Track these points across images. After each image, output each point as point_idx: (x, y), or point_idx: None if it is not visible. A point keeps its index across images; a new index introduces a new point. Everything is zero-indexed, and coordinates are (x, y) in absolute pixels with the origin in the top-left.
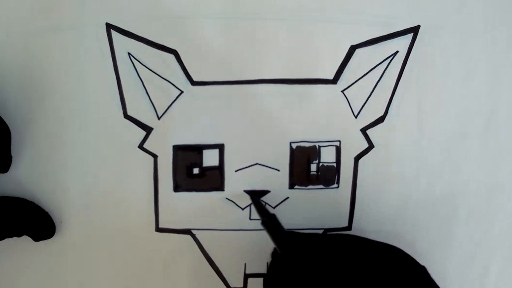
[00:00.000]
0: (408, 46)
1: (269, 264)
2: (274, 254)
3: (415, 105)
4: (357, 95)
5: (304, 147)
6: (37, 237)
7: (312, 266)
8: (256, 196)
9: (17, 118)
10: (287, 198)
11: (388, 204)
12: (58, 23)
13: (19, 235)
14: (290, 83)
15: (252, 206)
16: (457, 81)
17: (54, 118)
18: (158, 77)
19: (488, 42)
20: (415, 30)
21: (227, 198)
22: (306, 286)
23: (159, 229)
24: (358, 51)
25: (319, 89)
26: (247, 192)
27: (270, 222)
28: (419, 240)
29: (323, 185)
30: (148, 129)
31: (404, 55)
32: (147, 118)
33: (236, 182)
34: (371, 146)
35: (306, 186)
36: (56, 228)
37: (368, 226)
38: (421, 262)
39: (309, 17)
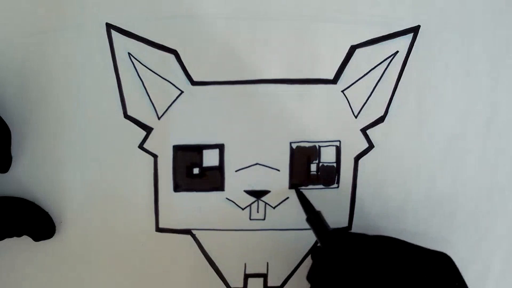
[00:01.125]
0: (408, 46)
1: (312, 260)
2: (314, 251)
3: (415, 105)
4: (357, 95)
5: (304, 147)
6: (37, 237)
7: (354, 264)
8: (256, 196)
9: (17, 118)
10: (287, 198)
11: (388, 204)
12: (58, 23)
13: (19, 235)
14: (290, 83)
15: (253, 206)
16: (457, 81)
17: (54, 118)
18: (158, 77)
19: (488, 42)
20: (415, 30)
21: (227, 198)
22: (348, 282)
23: (159, 229)
24: (358, 51)
25: (319, 89)
26: (296, 189)
27: (315, 219)
28: (419, 240)
29: (323, 185)
30: (148, 129)
31: (404, 55)
32: (147, 118)
33: (236, 182)
34: (371, 146)
35: (306, 186)
36: (56, 228)
37: (368, 226)
38: None
39: (309, 17)
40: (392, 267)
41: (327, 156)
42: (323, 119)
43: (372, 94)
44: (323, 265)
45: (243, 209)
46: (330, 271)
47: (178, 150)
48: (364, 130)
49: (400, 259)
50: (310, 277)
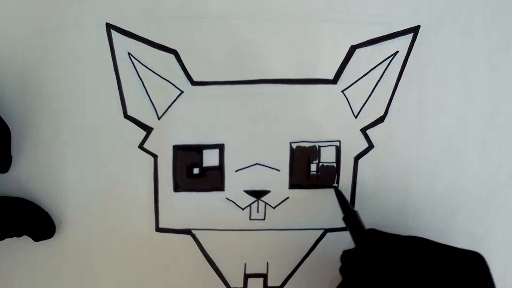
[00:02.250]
0: (408, 46)
1: (341, 262)
2: (345, 254)
3: (415, 105)
4: (357, 95)
5: (304, 147)
6: (37, 237)
7: (389, 264)
8: (256, 196)
9: (17, 118)
10: (287, 198)
11: (387, 203)
12: (58, 23)
13: (19, 235)
14: (290, 83)
15: (253, 206)
16: (457, 81)
17: (54, 118)
18: (158, 77)
19: (488, 42)
20: (415, 30)
21: (227, 198)
22: (383, 282)
23: (159, 229)
24: (358, 51)
25: (319, 89)
26: (335, 188)
27: (351, 218)
28: None
29: (323, 185)
30: (148, 129)
31: (404, 55)
32: (147, 118)
33: (236, 182)
34: (371, 146)
35: (306, 186)
36: (56, 228)
37: (368, 226)
38: None
39: (309, 17)
40: (426, 268)
41: (327, 156)
42: (323, 119)
43: (372, 94)
44: (357, 265)
45: (243, 209)
46: (365, 270)
47: (178, 150)
48: (364, 130)
49: (433, 260)
50: (344, 273)
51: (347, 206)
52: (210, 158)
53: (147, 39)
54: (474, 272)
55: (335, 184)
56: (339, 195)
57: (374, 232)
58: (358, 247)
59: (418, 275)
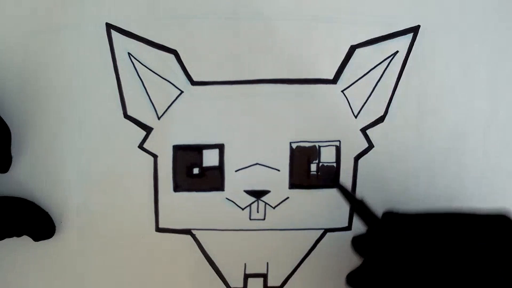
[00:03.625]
0: (408, 46)
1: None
2: (355, 240)
3: (415, 105)
4: (357, 95)
5: (304, 147)
6: (37, 237)
7: (410, 244)
8: (256, 196)
9: (17, 118)
10: (287, 198)
11: (388, 203)
12: (58, 23)
13: (19, 235)
14: (290, 83)
15: (253, 206)
16: (457, 81)
17: (54, 118)
18: (158, 77)
19: (488, 42)
20: (415, 30)
21: (227, 198)
22: (408, 264)
23: (159, 229)
24: (358, 51)
25: (319, 89)
26: (338, 185)
27: (360, 208)
28: None
29: (323, 185)
30: (148, 129)
31: (404, 55)
32: (147, 118)
33: (236, 182)
34: (371, 146)
35: (306, 186)
36: (56, 228)
37: None
38: None
39: (309, 17)
40: (450, 240)
41: (327, 156)
42: (323, 119)
43: (372, 94)
44: (380, 246)
45: (243, 209)
46: (386, 254)
47: (178, 150)
48: (364, 130)
49: (457, 230)
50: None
51: (352, 198)
52: (210, 158)
53: (147, 39)
54: (502, 235)
55: (340, 182)
56: (342, 189)
57: (389, 216)
58: (375, 230)
59: (443, 249)
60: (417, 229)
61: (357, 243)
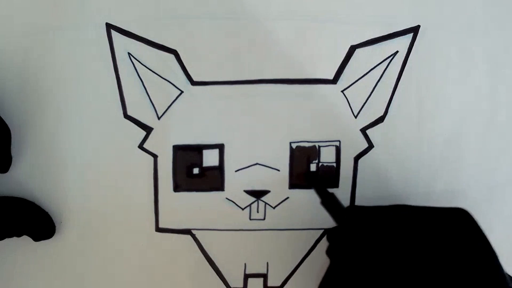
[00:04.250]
0: (408, 46)
1: (328, 241)
2: (329, 232)
3: (415, 105)
4: (357, 95)
5: (304, 147)
6: (37, 237)
7: (375, 236)
8: (256, 196)
9: (17, 118)
10: (287, 198)
11: (387, 203)
12: (58, 23)
13: (19, 235)
14: (290, 83)
15: (253, 206)
16: (457, 81)
17: (54, 118)
18: (158, 77)
19: (488, 42)
20: (415, 30)
21: (227, 198)
22: (372, 255)
23: (159, 229)
24: (358, 51)
25: (319, 89)
26: (310, 179)
27: (329, 201)
28: None
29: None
30: (148, 129)
31: (404, 55)
32: (147, 118)
33: (236, 182)
34: (371, 146)
35: (306, 186)
36: (56, 228)
37: None
38: None
39: (309, 17)
40: (412, 232)
41: (327, 156)
42: (323, 119)
43: (372, 94)
44: (343, 243)
45: (243, 209)
46: (351, 247)
47: (178, 150)
48: (364, 130)
49: (418, 223)
50: (330, 255)
51: (323, 191)
52: (210, 158)
53: (147, 39)
54: (461, 228)
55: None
56: (313, 180)
57: (354, 208)
58: (340, 224)
59: (406, 241)
60: (379, 222)
61: (329, 237)
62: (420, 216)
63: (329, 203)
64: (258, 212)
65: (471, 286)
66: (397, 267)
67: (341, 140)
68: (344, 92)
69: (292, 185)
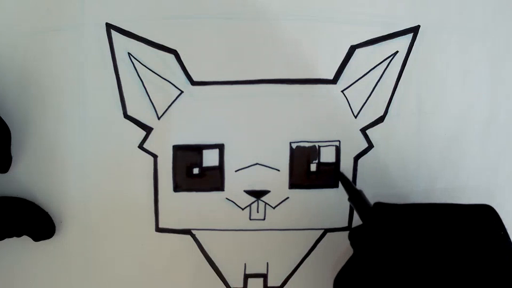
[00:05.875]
0: (408, 46)
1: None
2: (352, 232)
3: (415, 105)
4: (357, 95)
5: (304, 147)
6: (37, 237)
7: (402, 234)
8: (256, 196)
9: (17, 118)
10: (287, 198)
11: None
12: (58, 23)
13: (19, 235)
14: (290, 83)
15: (253, 206)
16: (457, 81)
17: (54, 118)
18: (158, 77)
19: (488, 42)
20: (415, 30)
21: (227, 198)
22: (400, 253)
23: (159, 229)
24: (358, 51)
25: (319, 89)
26: (339, 173)
27: (356, 198)
28: None
29: (323, 185)
30: (148, 129)
31: (404, 55)
32: (147, 118)
33: (236, 182)
34: (370, 146)
35: (306, 186)
36: (56, 228)
37: None
38: None
39: (309, 17)
40: (439, 230)
41: (327, 156)
42: (323, 119)
43: (372, 94)
44: (370, 240)
45: (243, 209)
46: (378, 244)
47: (178, 150)
48: (363, 130)
49: (445, 221)
50: (355, 249)
51: (351, 187)
52: (210, 158)
53: (147, 39)
54: (486, 224)
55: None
56: (342, 177)
57: (381, 205)
58: (367, 221)
59: (433, 238)
60: (406, 219)
61: (353, 236)
62: (447, 213)
63: (356, 199)
64: (258, 212)
65: (495, 285)
66: (424, 264)
67: (341, 140)
68: (344, 92)
69: (292, 185)
